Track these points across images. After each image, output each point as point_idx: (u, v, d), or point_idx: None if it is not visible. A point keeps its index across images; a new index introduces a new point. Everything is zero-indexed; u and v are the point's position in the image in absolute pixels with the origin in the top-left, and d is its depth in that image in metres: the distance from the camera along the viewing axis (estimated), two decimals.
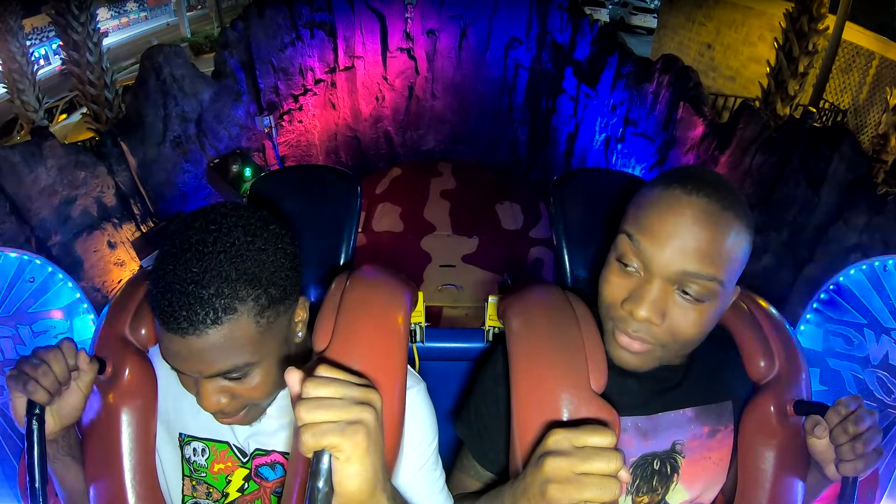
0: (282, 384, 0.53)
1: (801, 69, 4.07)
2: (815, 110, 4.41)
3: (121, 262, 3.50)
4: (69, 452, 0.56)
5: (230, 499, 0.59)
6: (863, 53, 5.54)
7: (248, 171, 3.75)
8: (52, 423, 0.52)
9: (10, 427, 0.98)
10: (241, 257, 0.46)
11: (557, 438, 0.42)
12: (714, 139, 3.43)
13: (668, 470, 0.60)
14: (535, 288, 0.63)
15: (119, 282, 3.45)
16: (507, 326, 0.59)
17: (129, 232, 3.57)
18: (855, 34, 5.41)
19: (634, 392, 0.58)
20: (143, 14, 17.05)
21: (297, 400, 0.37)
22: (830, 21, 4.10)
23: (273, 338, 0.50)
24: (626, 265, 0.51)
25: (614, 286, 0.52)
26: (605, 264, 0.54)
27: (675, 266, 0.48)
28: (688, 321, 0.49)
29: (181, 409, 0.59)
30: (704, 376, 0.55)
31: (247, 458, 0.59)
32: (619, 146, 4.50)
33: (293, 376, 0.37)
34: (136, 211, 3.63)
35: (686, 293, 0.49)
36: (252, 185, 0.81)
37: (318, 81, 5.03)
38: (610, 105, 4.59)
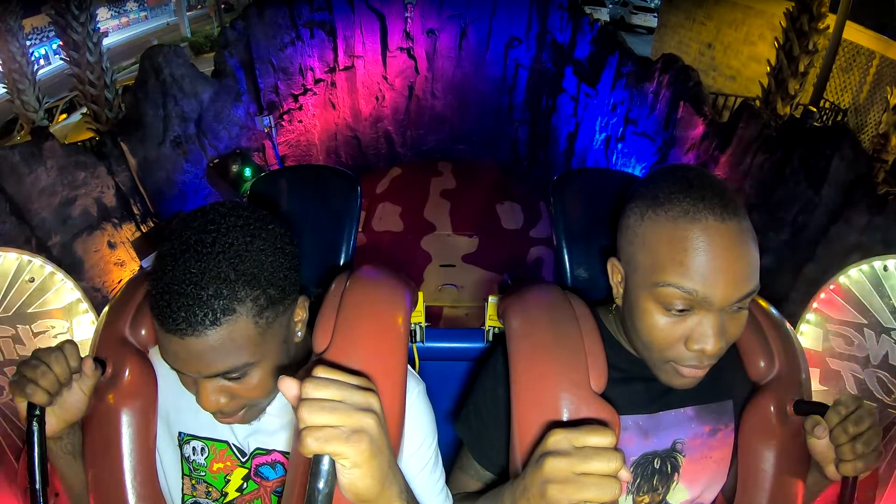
0: None
1: (801, 68, 4.06)
2: (815, 110, 4.40)
3: (121, 262, 3.50)
4: (72, 450, 0.56)
5: (229, 498, 0.59)
6: (863, 53, 5.54)
7: (247, 171, 3.75)
8: (54, 423, 0.52)
9: (11, 427, 0.98)
10: (240, 258, 0.46)
11: (557, 438, 0.42)
12: (714, 139, 3.43)
13: (669, 469, 0.60)
14: (535, 288, 0.63)
15: (119, 282, 3.45)
16: (507, 326, 0.59)
17: (129, 232, 3.57)
18: (855, 33, 5.41)
19: (636, 391, 0.58)
20: (143, 14, 17.04)
21: (295, 402, 0.37)
22: (831, 20, 4.09)
23: (272, 338, 0.50)
24: (673, 308, 0.49)
25: (667, 331, 0.51)
26: (637, 310, 0.52)
27: (734, 297, 0.48)
28: (738, 328, 0.51)
29: (181, 408, 0.59)
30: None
31: (246, 458, 0.59)
32: (620, 146, 4.50)
33: (287, 383, 0.37)
34: (136, 211, 3.63)
35: (737, 308, 0.50)
36: (252, 185, 0.81)
37: (317, 81, 5.03)
38: (610, 104, 4.59)
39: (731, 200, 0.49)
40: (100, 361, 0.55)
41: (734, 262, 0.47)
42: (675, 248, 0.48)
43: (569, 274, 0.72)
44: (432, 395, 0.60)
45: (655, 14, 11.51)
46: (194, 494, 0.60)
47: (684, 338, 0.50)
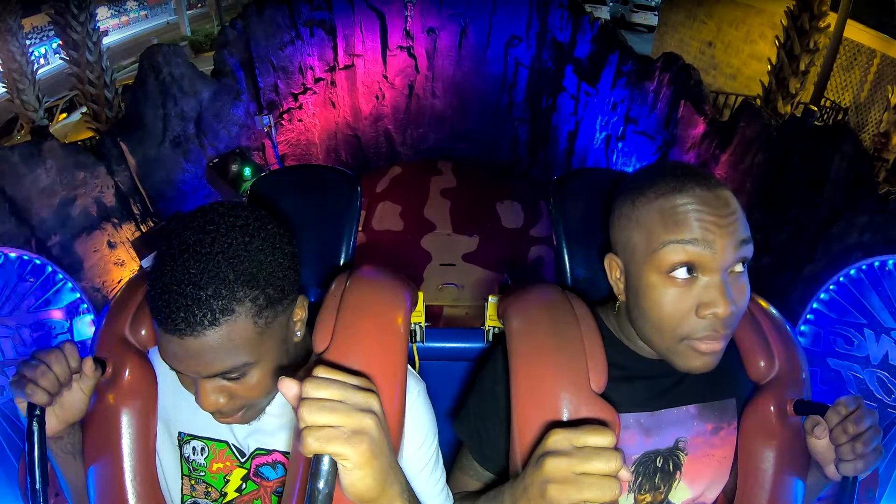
0: None
1: (802, 67, 4.06)
2: (816, 108, 4.40)
3: (121, 262, 3.50)
4: (72, 450, 0.57)
5: (228, 498, 0.60)
6: (864, 51, 5.53)
7: (247, 171, 3.75)
8: (54, 423, 0.52)
9: (11, 427, 0.98)
10: (239, 258, 0.46)
11: (557, 438, 0.42)
12: (715, 138, 3.43)
13: (671, 467, 0.60)
14: (535, 288, 0.63)
15: (119, 282, 3.45)
16: (507, 326, 0.59)
17: (128, 232, 3.57)
18: (856, 32, 5.40)
19: (637, 389, 0.58)
20: (143, 13, 17.02)
21: (295, 402, 0.37)
22: (832, 19, 4.09)
23: (271, 337, 0.50)
24: (677, 275, 0.50)
25: (676, 304, 0.50)
26: (643, 291, 0.52)
27: (733, 251, 0.49)
28: (743, 295, 0.51)
29: (180, 408, 0.59)
30: (707, 373, 0.55)
31: (245, 458, 0.59)
32: (620, 145, 4.50)
33: (286, 383, 0.37)
34: (135, 211, 3.63)
35: (737, 273, 0.51)
36: (252, 185, 0.81)
37: (317, 80, 5.02)
38: (611, 103, 4.58)
39: (714, 179, 0.52)
40: (100, 361, 0.55)
41: (726, 217, 0.49)
42: (667, 213, 0.50)
43: (569, 274, 0.72)
44: (432, 395, 0.60)
45: (656, 12, 11.50)
46: (193, 495, 0.60)
47: (694, 307, 0.50)
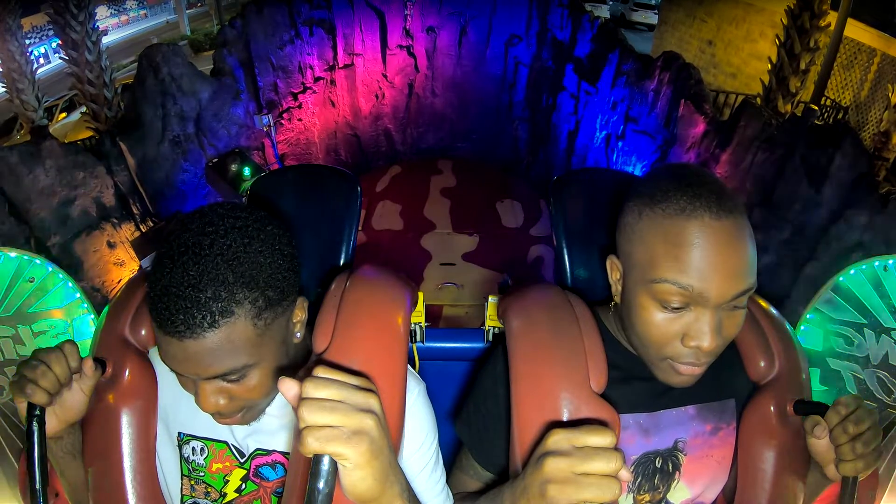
0: None
1: (802, 66, 4.05)
2: (816, 108, 4.38)
3: (120, 262, 3.50)
4: (72, 450, 0.57)
5: (228, 499, 0.60)
6: (864, 50, 5.52)
7: (247, 170, 3.75)
8: (54, 423, 0.52)
9: (11, 427, 0.98)
10: (238, 260, 0.46)
11: (557, 438, 0.42)
12: (715, 137, 3.42)
13: (670, 468, 0.60)
14: (535, 288, 0.63)
15: (119, 282, 3.45)
16: (506, 326, 0.59)
17: (128, 232, 3.56)
18: (856, 31, 5.39)
19: (636, 390, 0.58)
20: (142, 12, 17.00)
21: (294, 402, 0.37)
22: (832, 17, 4.08)
23: (271, 339, 0.50)
24: (669, 304, 0.50)
25: (663, 328, 0.51)
26: (634, 307, 0.52)
27: (730, 293, 0.48)
28: (736, 327, 0.52)
29: (180, 408, 0.59)
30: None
31: (245, 459, 0.59)
32: (620, 144, 4.49)
33: (286, 383, 0.37)
34: (135, 210, 3.62)
35: (734, 306, 0.50)
36: (252, 185, 0.81)
37: (317, 79, 5.01)
38: (611, 102, 4.58)
39: (727, 198, 0.49)
40: (100, 361, 0.55)
41: (730, 259, 0.48)
42: (671, 244, 0.49)
43: (569, 274, 0.72)
44: (432, 395, 0.60)
45: (656, 11, 11.49)
46: (193, 495, 0.60)
47: (681, 335, 0.50)
